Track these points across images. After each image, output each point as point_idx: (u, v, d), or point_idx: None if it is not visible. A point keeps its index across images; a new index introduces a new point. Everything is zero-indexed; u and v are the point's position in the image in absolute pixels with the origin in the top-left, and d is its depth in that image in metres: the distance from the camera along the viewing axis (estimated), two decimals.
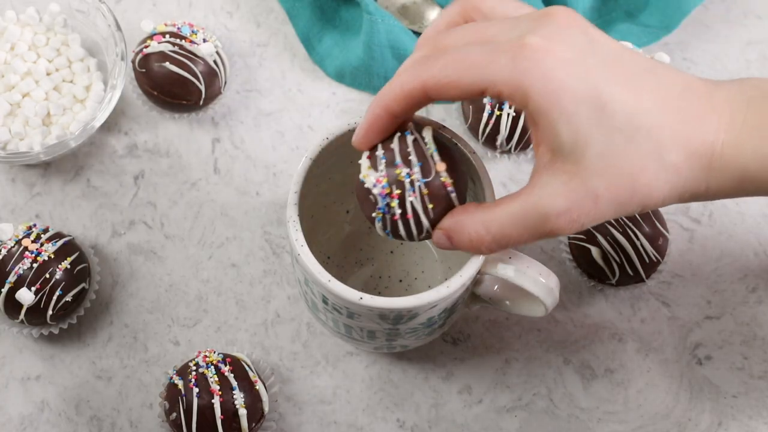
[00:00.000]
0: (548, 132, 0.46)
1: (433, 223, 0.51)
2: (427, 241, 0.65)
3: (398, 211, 0.50)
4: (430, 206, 0.50)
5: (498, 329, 0.69)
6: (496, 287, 0.61)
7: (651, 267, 0.67)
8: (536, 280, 0.56)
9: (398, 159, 0.50)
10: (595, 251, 0.66)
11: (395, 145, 0.51)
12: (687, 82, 0.49)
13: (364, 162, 0.51)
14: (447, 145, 0.52)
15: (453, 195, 0.51)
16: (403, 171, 0.50)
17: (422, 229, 0.52)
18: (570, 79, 0.45)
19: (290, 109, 0.75)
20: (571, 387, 0.68)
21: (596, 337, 0.69)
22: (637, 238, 0.65)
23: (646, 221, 0.66)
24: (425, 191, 0.50)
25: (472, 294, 0.61)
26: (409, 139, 0.51)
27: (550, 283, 0.56)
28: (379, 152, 0.51)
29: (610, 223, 0.66)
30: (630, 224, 0.66)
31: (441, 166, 0.50)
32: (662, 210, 0.69)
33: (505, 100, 0.49)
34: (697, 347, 0.69)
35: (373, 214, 0.51)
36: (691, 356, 0.69)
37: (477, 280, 0.59)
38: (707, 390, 0.68)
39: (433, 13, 0.76)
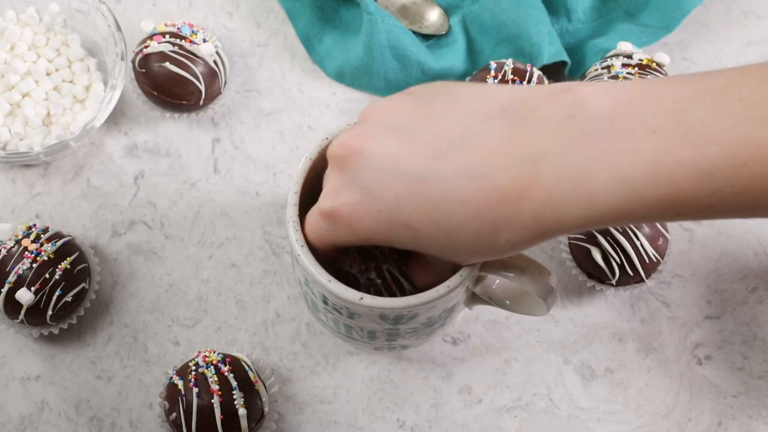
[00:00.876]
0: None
1: (410, 281, 0.58)
2: None
3: (379, 281, 0.57)
4: (404, 267, 0.57)
5: (498, 329, 0.69)
6: (495, 287, 0.61)
7: (651, 267, 0.67)
8: (536, 280, 0.56)
9: None
10: (595, 251, 0.66)
11: None
12: (486, 146, 0.46)
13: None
14: None
15: None
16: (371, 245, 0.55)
17: (404, 291, 0.57)
18: (367, 222, 0.49)
19: (290, 109, 0.75)
20: (571, 387, 0.68)
21: (596, 337, 0.69)
22: (637, 238, 0.65)
23: None
24: (395, 255, 0.57)
25: (473, 294, 0.61)
26: None
27: (550, 282, 0.56)
28: None
29: None
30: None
31: None
32: None
33: None
34: (697, 347, 0.69)
35: None
36: (691, 356, 0.68)
37: (477, 280, 0.59)
38: (707, 390, 0.68)
39: (433, 14, 0.76)
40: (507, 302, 0.62)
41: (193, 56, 0.70)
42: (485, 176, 0.45)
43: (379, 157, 0.48)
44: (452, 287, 0.55)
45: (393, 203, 0.47)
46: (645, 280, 0.67)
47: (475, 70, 0.75)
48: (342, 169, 0.50)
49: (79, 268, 0.66)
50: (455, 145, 0.46)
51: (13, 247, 0.65)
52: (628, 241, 0.65)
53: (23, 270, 0.64)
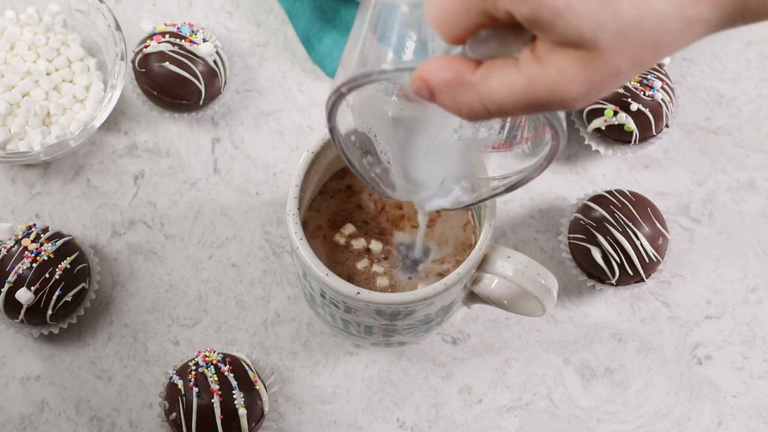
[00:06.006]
0: (553, 29, 0.43)
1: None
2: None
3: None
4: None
5: (498, 329, 0.69)
6: (494, 286, 0.61)
7: (651, 267, 0.67)
8: (534, 281, 0.56)
9: None
10: (595, 251, 0.66)
11: None
12: None
13: None
14: None
15: None
16: None
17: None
18: None
19: (290, 109, 0.75)
20: (571, 387, 0.68)
21: (596, 337, 0.69)
22: (637, 238, 0.65)
23: (646, 221, 0.66)
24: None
25: (471, 293, 0.61)
26: None
27: (548, 283, 0.56)
28: None
29: (610, 223, 0.66)
30: (630, 224, 0.66)
31: None
32: (662, 210, 0.69)
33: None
34: (697, 347, 0.69)
35: None
36: (691, 356, 0.68)
37: (475, 279, 0.59)
38: (707, 390, 0.68)
39: None
40: (505, 302, 0.62)
41: (193, 56, 0.70)
42: None
43: None
44: (449, 285, 0.55)
45: None
46: (645, 279, 0.67)
47: None
48: None
49: (79, 267, 0.66)
50: None
51: (13, 246, 0.65)
52: (628, 240, 0.65)
53: (23, 270, 0.64)
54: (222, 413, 0.61)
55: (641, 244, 0.66)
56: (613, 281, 0.67)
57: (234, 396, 0.62)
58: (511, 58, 0.44)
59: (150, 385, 0.67)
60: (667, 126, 0.71)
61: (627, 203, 0.67)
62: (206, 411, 0.61)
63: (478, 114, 0.46)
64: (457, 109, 0.45)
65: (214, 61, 0.71)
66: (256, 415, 0.63)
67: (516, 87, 0.44)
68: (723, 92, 0.76)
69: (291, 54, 0.77)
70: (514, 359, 0.68)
